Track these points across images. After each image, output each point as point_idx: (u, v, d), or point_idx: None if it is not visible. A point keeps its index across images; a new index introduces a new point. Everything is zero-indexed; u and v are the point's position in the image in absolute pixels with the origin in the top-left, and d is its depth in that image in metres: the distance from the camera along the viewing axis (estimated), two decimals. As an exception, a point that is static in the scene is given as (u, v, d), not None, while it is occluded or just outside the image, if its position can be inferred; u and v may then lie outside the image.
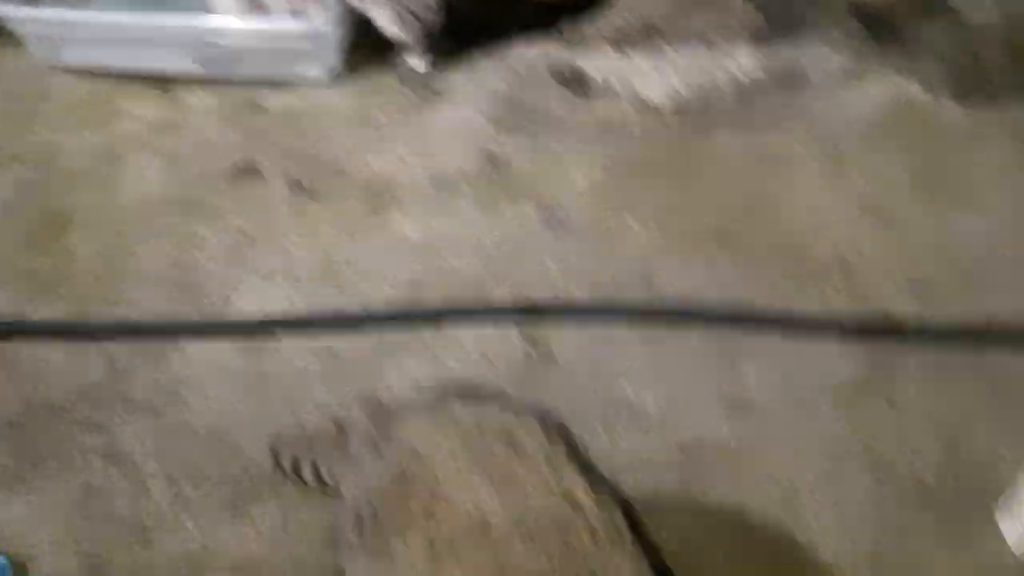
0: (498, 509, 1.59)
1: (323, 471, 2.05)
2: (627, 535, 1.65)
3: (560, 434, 1.86)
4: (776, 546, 2.18)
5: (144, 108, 3.13)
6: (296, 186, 2.82)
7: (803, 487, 2.26)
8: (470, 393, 2.06)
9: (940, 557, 2.16)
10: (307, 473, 2.07)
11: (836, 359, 2.46)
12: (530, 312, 2.54)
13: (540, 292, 2.60)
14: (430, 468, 1.67)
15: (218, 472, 2.22)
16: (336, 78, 3.16)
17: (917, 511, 2.22)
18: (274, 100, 3.11)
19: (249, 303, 2.55)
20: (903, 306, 2.56)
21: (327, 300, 2.57)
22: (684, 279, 2.63)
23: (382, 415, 1.96)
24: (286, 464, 2.12)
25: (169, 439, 2.28)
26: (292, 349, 2.47)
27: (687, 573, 2.12)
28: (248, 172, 2.88)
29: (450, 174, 2.85)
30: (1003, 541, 2.17)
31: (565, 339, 2.52)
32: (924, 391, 2.41)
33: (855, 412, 2.38)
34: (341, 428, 2.08)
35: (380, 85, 3.18)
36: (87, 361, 2.43)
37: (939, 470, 2.29)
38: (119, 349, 2.45)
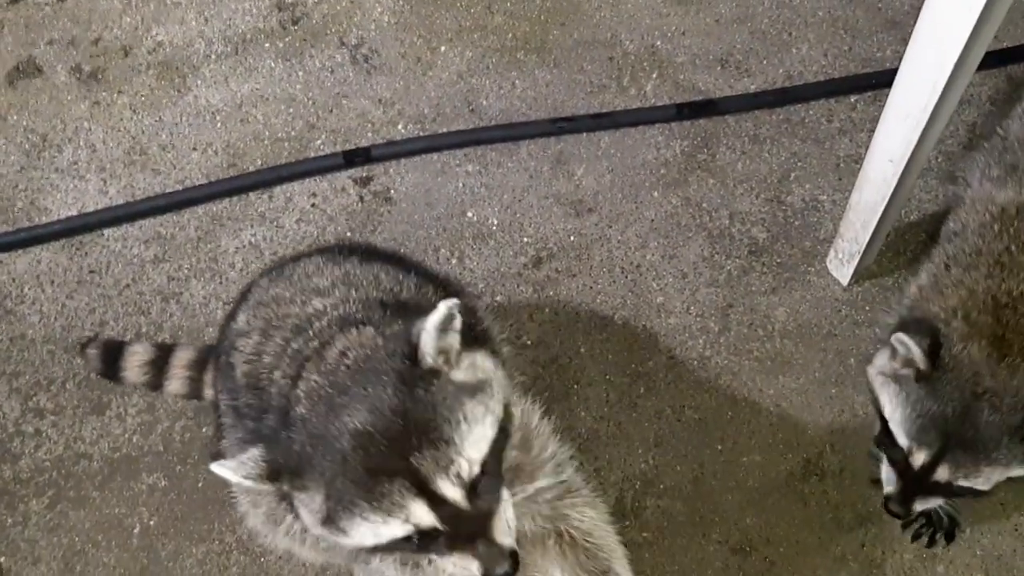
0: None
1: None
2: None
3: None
4: (629, 323, 2.29)
5: None
6: (82, 75, 2.63)
7: (645, 266, 2.36)
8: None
9: (780, 300, 2.32)
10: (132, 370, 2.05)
11: (659, 145, 2.54)
12: (356, 156, 2.49)
13: (364, 135, 2.55)
14: None
15: (64, 375, 2.15)
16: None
17: (753, 265, 2.37)
18: (37, -12, 2.85)
19: (60, 203, 2.41)
20: (713, 83, 2.64)
21: (144, 185, 2.46)
22: (504, 95, 2.62)
23: None
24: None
25: (6, 354, 2.19)
26: (119, 240, 2.36)
27: (550, 361, 2.22)
28: (27, 71, 2.66)
29: (245, 31, 2.70)
30: (832, 277, 2.35)
31: (397, 177, 2.50)
32: (743, 158, 2.52)
33: (683, 190, 2.47)
34: None
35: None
36: None
37: (767, 225, 2.42)
38: (-71, 278, 2.30)
